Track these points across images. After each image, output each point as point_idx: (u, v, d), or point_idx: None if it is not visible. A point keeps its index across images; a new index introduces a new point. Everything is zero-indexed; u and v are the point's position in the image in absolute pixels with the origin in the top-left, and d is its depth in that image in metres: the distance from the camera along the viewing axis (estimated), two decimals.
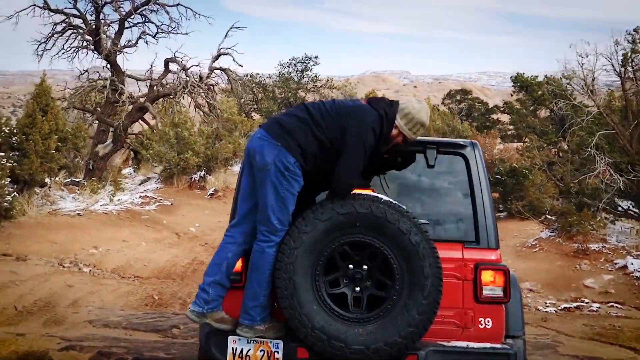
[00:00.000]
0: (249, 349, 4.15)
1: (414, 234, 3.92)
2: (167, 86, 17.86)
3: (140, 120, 18.82)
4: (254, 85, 42.93)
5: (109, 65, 17.88)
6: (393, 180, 4.73)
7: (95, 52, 17.32)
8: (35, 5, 16.03)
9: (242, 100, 43.11)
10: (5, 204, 12.17)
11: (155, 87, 18.23)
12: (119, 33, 17.93)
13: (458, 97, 49.57)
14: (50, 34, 16.97)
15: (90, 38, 17.18)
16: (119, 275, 11.91)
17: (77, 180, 18.56)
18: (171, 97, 17.47)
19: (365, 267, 4.06)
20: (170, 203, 20.05)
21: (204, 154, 21.10)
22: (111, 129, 17.98)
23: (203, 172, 19.95)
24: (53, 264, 11.69)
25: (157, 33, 18.06)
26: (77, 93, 17.71)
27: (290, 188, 4.13)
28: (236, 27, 18.06)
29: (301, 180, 4.18)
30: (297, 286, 3.96)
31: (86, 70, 17.99)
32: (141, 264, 12.59)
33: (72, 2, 16.65)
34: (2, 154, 12.66)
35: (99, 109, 18.63)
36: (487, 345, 4.16)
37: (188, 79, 17.57)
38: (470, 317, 4.24)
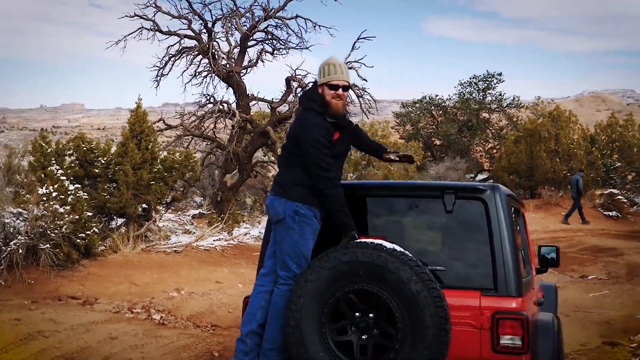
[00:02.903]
0: None
1: (414, 283, 3.88)
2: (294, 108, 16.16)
3: (264, 146, 17.33)
4: (432, 107, 40.58)
5: (230, 89, 16.60)
6: (412, 226, 4.79)
7: (215, 74, 16.10)
8: (142, 27, 15.13)
9: (421, 124, 40.96)
10: (78, 240, 10.95)
11: (276, 110, 16.66)
12: (242, 53, 16.59)
13: None
14: (167, 58, 16.01)
15: (206, 61, 15.98)
16: (194, 323, 10.16)
17: (206, 213, 17.44)
18: (289, 120, 15.75)
19: (371, 315, 4.05)
20: None
21: (351, 180, 19.16)
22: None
23: None
24: (119, 310, 10.22)
25: (274, 50, 16.49)
26: (191, 119, 16.55)
27: (301, 232, 4.37)
28: (364, 38, 16.01)
29: (315, 223, 4.44)
30: (304, 333, 4.03)
31: (212, 95, 16.84)
32: (225, 310, 10.77)
33: (187, 22, 15.56)
34: (79, 185, 11.56)
35: (216, 136, 17.42)
36: None
37: None
38: None
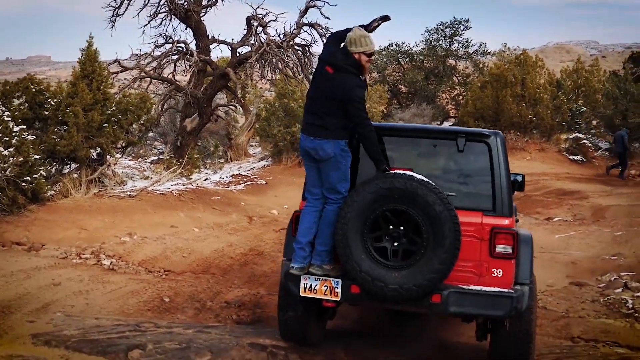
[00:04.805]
0: (316, 285, 5.61)
1: (437, 205, 5.14)
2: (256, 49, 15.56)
3: (224, 88, 16.78)
4: (399, 55, 39.92)
5: (189, 30, 15.96)
6: (432, 162, 6.08)
7: (173, 14, 15.44)
8: None
9: (387, 71, 40.35)
10: (24, 184, 10.47)
11: (237, 50, 16.08)
12: None
13: None
14: None
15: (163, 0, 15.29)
16: (146, 268, 9.84)
17: (165, 158, 16.95)
18: (249, 60, 15.18)
19: (401, 228, 5.31)
20: (264, 182, 17.90)
21: None
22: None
23: None
24: (67, 256, 9.84)
25: None
26: (147, 61, 15.87)
27: (346, 164, 5.69)
28: None
29: (351, 156, 5.74)
30: (349, 240, 5.30)
31: (169, 36, 16.15)
32: (179, 255, 10.46)
33: None
34: (24, 126, 11.00)
35: (176, 79, 16.79)
36: (496, 289, 5.35)
37: (266, 36, 15.16)
38: (485, 268, 5.43)
